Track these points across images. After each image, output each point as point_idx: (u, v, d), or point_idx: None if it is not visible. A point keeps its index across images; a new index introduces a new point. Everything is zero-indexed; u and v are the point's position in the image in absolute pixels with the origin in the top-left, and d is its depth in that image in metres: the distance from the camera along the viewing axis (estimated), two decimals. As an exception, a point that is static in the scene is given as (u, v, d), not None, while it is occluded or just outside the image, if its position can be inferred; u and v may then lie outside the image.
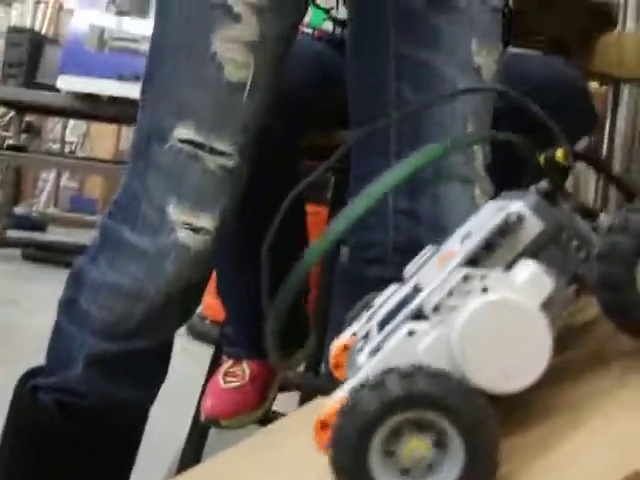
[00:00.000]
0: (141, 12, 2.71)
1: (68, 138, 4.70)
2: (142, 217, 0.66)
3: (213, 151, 0.65)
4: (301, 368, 1.44)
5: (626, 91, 1.29)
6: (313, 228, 1.35)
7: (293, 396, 1.36)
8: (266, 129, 0.76)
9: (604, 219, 0.35)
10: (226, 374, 1.24)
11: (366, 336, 0.36)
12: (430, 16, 0.72)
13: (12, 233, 3.70)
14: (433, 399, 0.26)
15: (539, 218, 0.32)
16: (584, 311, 0.38)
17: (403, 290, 0.37)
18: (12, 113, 3.62)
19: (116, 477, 0.75)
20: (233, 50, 0.64)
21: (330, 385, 0.35)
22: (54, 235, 4.15)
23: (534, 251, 0.32)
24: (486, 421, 0.26)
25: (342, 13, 1.14)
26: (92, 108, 2.64)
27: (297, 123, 1.05)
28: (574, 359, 0.35)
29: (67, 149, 4.55)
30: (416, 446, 0.27)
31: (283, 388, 1.29)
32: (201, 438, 1.27)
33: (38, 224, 4.26)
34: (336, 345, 0.40)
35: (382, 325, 0.35)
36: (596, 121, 1.15)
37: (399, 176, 0.32)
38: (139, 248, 0.66)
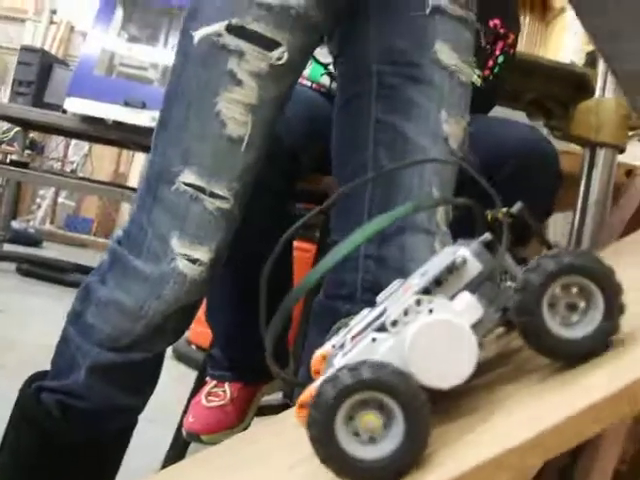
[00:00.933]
0: (152, 40, 2.78)
1: (70, 157, 4.81)
2: (147, 246, 0.76)
3: (212, 195, 0.75)
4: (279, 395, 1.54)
5: (602, 154, 1.40)
6: (306, 262, 1.46)
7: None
8: (262, 174, 0.88)
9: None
10: (209, 394, 1.32)
11: (341, 346, 0.46)
12: (407, 89, 0.82)
13: (8, 247, 3.78)
14: (375, 382, 0.36)
15: (479, 261, 0.43)
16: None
17: (374, 312, 0.46)
18: (17, 129, 3.72)
19: (105, 475, 0.84)
20: (234, 110, 0.75)
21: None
22: (49, 251, 4.22)
23: (473, 286, 0.43)
24: (418, 396, 0.36)
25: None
26: (96, 131, 2.71)
27: (291, 169, 1.15)
28: (504, 370, 0.45)
29: (68, 168, 4.65)
30: (369, 420, 0.37)
31: (260, 413, 1.38)
32: (181, 453, 1.34)
33: (34, 240, 4.32)
34: (316, 355, 0.49)
35: (354, 338, 0.45)
36: (561, 184, 1.25)
37: (369, 231, 0.43)
38: (143, 273, 0.76)
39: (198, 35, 0.76)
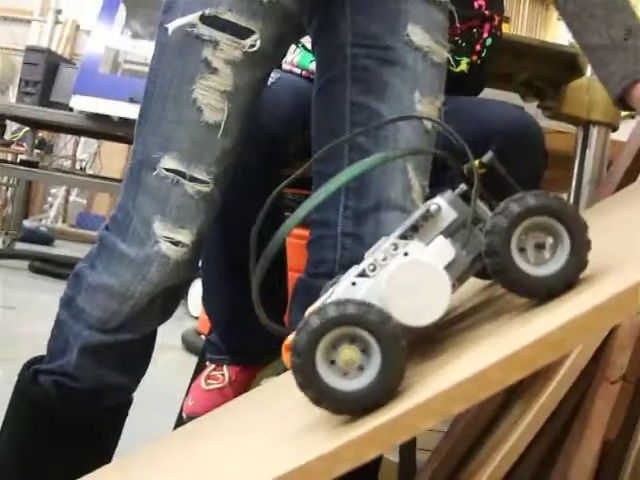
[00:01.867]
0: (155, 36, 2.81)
1: (79, 155, 4.84)
2: (132, 231, 0.79)
3: (192, 179, 0.78)
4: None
5: (595, 133, 1.41)
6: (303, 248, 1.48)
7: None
8: (248, 160, 0.90)
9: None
10: (208, 377, 1.34)
11: (329, 297, 0.48)
12: (380, 71, 0.84)
13: (20, 245, 3.81)
14: (357, 318, 0.38)
15: (453, 209, 0.45)
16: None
17: (360, 265, 0.49)
18: (26, 129, 3.76)
19: (101, 453, 0.86)
20: (210, 97, 0.77)
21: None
22: (61, 249, 4.25)
23: (449, 232, 0.45)
24: (395, 333, 0.38)
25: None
26: (103, 128, 2.74)
27: (277, 155, 1.17)
28: (485, 313, 0.47)
29: (78, 166, 4.68)
30: (349, 353, 0.39)
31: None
32: None
33: (46, 238, 4.35)
34: (308, 311, 0.52)
35: (341, 287, 0.47)
36: (547, 164, 1.27)
37: (349, 174, 0.45)
38: (129, 256, 0.79)
39: (172, 26, 0.78)
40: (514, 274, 0.41)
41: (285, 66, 1.34)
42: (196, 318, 2.74)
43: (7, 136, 3.91)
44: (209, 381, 1.33)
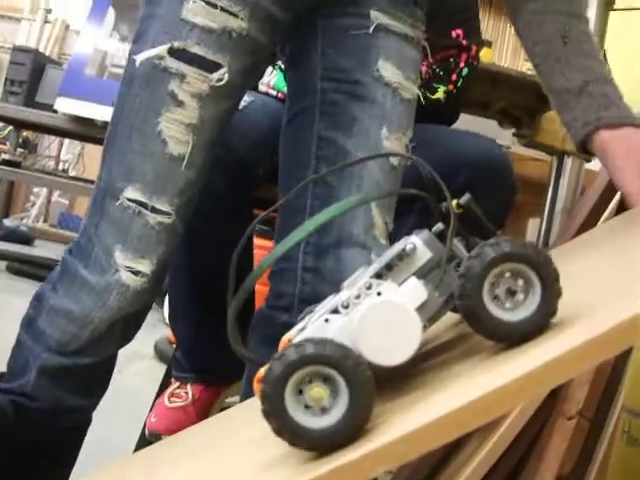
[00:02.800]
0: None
1: (63, 156, 4.79)
2: (94, 257, 0.79)
3: (154, 210, 0.78)
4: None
5: (569, 162, 1.42)
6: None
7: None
8: (215, 185, 0.88)
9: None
10: (172, 394, 1.34)
11: (303, 329, 0.48)
12: (349, 106, 0.84)
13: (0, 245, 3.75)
14: (318, 357, 0.38)
15: (428, 249, 0.45)
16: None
17: (337, 297, 0.48)
18: (10, 127, 3.71)
19: (57, 472, 0.87)
20: (175, 130, 0.77)
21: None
22: (40, 250, 4.20)
23: (423, 272, 0.45)
24: (362, 370, 0.38)
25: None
26: (87, 131, 2.70)
27: (244, 179, 1.16)
28: (457, 352, 0.47)
29: (61, 167, 4.63)
30: (317, 392, 0.38)
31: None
32: None
33: (26, 237, 4.29)
34: (283, 339, 0.51)
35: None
36: (514, 197, 1.27)
37: (319, 221, 0.44)
38: (90, 283, 0.79)
39: (140, 58, 0.78)
40: (485, 319, 0.41)
41: (261, 87, 1.33)
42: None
43: (-9, 133, 3.87)
44: (172, 399, 1.33)
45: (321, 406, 0.39)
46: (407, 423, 0.37)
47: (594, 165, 1.41)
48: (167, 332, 2.60)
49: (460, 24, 1.31)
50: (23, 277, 3.21)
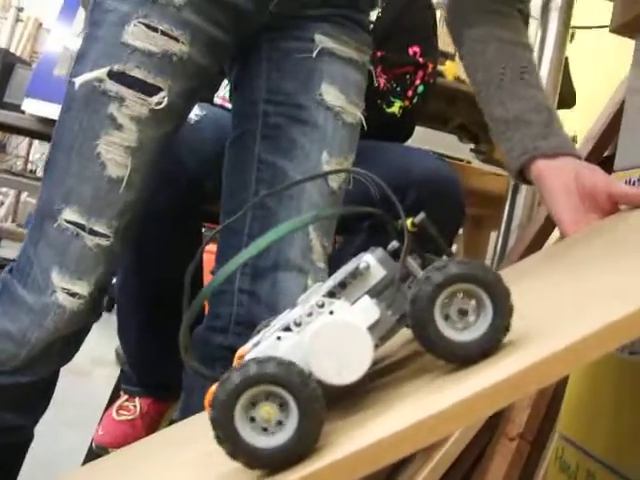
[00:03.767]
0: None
1: (32, 156, 4.70)
2: (32, 278, 0.78)
3: (92, 232, 0.77)
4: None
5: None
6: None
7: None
8: (163, 200, 0.85)
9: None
10: (120, 407, 1.34)
11: (257, 344, 0.47)
12: (290, 130, 0.84)
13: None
14: (277, 377, 0.37)
15: (383, 267, 0.44)
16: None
17: (292, 312, 0.47)
18: (-23, 128, 3.62)
19: None
20: (114, 152, 0.77)
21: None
22: (7, 250, 4.11)
23: (376, 291, 0.44)
24: (311, 389, 0.37)
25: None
26: (55, 132, 2.67)
27: (196, 192, 1.16)
28: (411, 369, 0.47)
29: (30, 167, 4.54)
30: (266, 411, 0.38)
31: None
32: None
33: (-9, 238, 4.20)
34: (237, 354, 0.50)
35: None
36: (464, 216, 1.27)
37: (269, 239, 0.44)
38: (27, 303, 0.78)
39: (79, 81, 0.77)
40: (437, 340, 0.40)
41: (217, 100, 1.33)
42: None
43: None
44: (120, 412, 1.33)
45: (271, 425, 0.38)
46: (356, 441, 0.36)
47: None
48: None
49: (418, 41, 1.31)
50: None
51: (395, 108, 1.30)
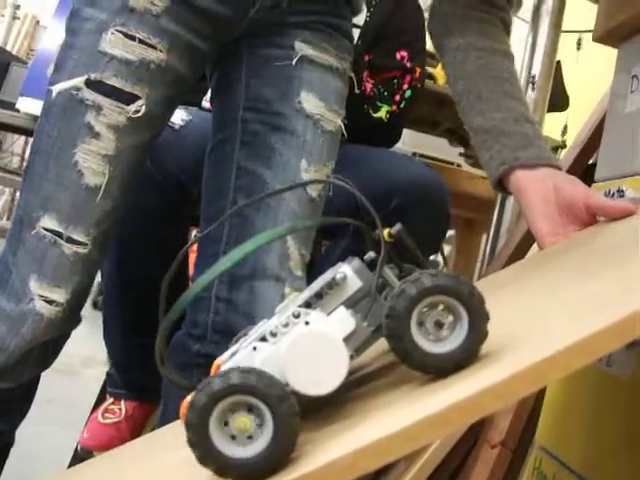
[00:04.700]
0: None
1: (28, 154, 4.67)
2: (11, 285, 0.78)
3: (70, 240, 0.77)
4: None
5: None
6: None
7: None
8: (149, 205, 0.85)
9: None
10: (106, 410, 1.33)
11: (234, 354, 0.47)
12: (269, 137, 0.83)
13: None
14: (242, 387, 0.37)
15: (359, 278, 0.44)
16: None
17: (269, 322, 0.47)
18: (-27, 125, 3.61)
19: None
20: (91, 161, 0.76)
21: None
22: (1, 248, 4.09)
23: (353, 301, 0.44)
24: (285, 399, 0.37)
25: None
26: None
27: (177, 200, 1.16)
28: (387, 380, 0.47)
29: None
30: (242, 421, 0.38)
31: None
32: (86, 458, 1.34)
33: (-17, 237, 4.19)
34: (214, 363, 0.50)
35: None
36: (448, 225, 1.24)
37: (251, 246, 0.43)
38: (5, 310, 0.78)
39: (56, 89, 0.77)
40: (415, 354, 0.40)
41: (205, 104, 1.32)
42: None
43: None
44: (106, 414, 1.32)
45: (246, 436, 0.38)
46: (332, 452, 0.36)
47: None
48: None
49: (405, 45, 1.30)
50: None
51: (382, 113, 1.29)
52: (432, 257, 1.33)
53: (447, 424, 0.36)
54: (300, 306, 0.43)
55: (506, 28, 0.89)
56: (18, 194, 5.00)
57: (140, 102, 0.77)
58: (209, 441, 0.37)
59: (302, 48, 0.85)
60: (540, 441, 0.80)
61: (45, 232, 0.76)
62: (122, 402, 1.32)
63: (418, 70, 1.33)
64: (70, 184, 0.76)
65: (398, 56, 1.30)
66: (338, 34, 0.87)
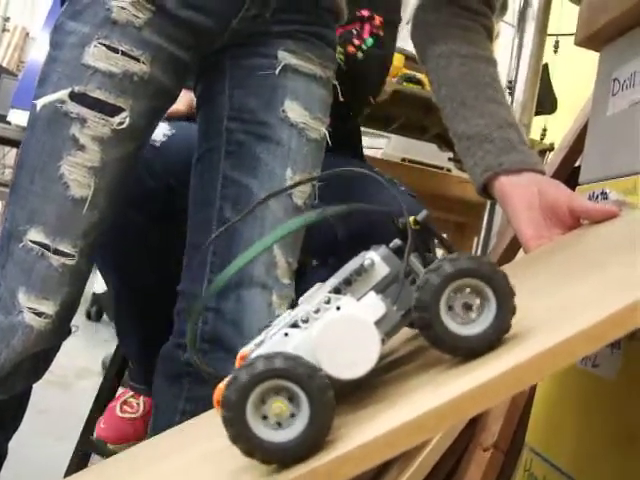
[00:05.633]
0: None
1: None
2: (0, 297, 0.77)
3: (57, 252, 0.76)
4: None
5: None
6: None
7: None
8: (139, 212, 0.86)
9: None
10: (125, 403, 1.31)
11: (260, 343, 0.46)
12: (254, 147, 0.84)
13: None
14: (286, 371, 0.37)
15: (386, 264, 0.44)
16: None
17: (294, 312, 0.47)
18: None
19: None
20: (77, 173, 0.76)
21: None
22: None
23: (381, 287, 0.44)
24: (323, 386, 0.37)
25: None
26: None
27: (165, 207, 1.13)
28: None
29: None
30: (278, 406, 0.37)
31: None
32: (80, 468, 1.31)
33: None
34: (239, 355, 0.49)
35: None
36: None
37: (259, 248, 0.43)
38: None
39: (41, 103, 0.77)
40: (440, 331, 0.40)
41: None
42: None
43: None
44: (125, 407, 1.30)
45: (283, 419, 0.38)
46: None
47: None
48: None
49: (368, 4, 1.25)
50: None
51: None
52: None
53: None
54: (329, 292, 0.43)
55: (489, 34, 0.89)
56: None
57: (124, 114, 0.77)
58: (250, 433, 0.37)
59: (285, 57, 0.85)
60: (530, 443, 0.80)
61: (32, 245, 0.76)
62: (141, 397, 1.30)
63: (378, 18, 1.26)
64: (56, 196, 0.76)
65: (358, 14, 1.25)
66: (322, 43, 0.88)
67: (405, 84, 1.56)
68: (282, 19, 0.85)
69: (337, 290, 0.43)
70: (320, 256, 1.15)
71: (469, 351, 0.40)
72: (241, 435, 0.37)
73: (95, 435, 1.28)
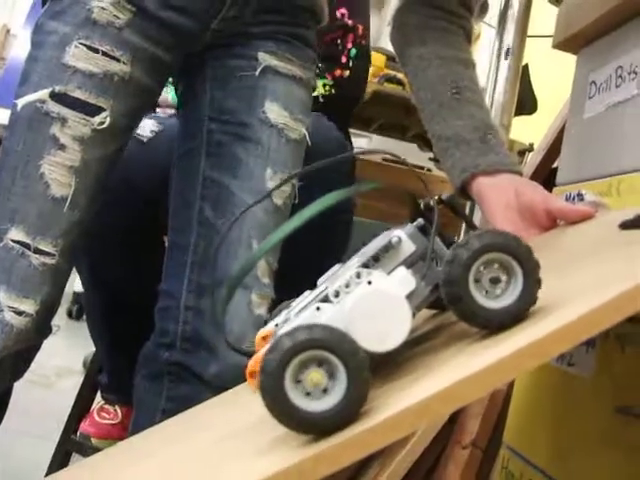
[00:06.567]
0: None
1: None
2: None
3: (37, 251, 0.76)
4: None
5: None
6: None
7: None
8: (119, 221, 0.87)
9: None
10: (101, 409, 1.31)
11: (285, 322, 0.46)
12: (234, 147, 0.84)
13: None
14: (327, 342, 0.37)
15: (412, 242, 0.45)
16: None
17: (314, 292, 0.47)
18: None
19: None
20: (58, 172, 0.76)
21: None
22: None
23: (408, 264, 0.45)
24: (358, 355, 0.37)
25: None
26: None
27: (157, 210, 1.12)
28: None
29: None
30: (315, 376, 0.37)
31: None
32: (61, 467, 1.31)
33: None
34: (259, 335, 0.48)
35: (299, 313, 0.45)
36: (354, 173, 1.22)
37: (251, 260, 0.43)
38: None
39: (21, 102, 0.77)
40: (469, 304, 0.41)
41: None
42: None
43: None
44: (102, 414, 1.31)
45: (320, 389, 0.37)
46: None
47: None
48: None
49: (345, 3, 1.25)
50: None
51: (318, 90, 1.22)
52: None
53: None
54: (359, 267, 0.43)
55: (467, 36, 0.90)
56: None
57: (105, 114, 0.77)
58: (287, 400, 0.37)
59: (266, 59, 0.85)
60: (507, 441, 0.81)
61: (13, 244, 0.75)
62: (116, 406, 1.29)
63: (360, 27, 1.27)
64: (37, 196, 0.76)
65: (338, 14, 1.25)
66: (302, 44, 0.88)
67: (386, 84, 1.57)
68: (262, 20, 0.85)
69: (365, 266, 0.44)
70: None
71: (498, 324, 0.40)
72: (277, 402, 0.37)
73: (79, 431, 1.28)
